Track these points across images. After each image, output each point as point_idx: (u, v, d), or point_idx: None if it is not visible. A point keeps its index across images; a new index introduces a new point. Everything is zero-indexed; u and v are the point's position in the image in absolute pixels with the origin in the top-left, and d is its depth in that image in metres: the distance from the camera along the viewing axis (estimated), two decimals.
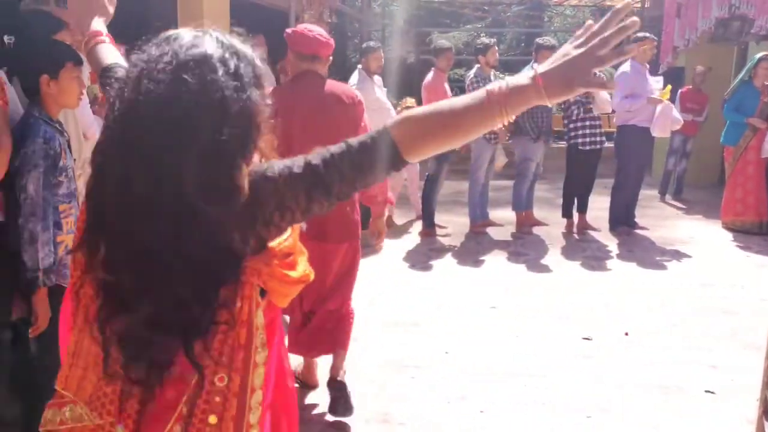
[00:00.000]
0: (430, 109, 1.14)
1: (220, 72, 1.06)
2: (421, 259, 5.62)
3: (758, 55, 6.37)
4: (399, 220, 6.97)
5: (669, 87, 6.29)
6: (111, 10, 1.67)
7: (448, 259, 5.62)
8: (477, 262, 5.51)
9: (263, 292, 1.17)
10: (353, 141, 1.13)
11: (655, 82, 6.23)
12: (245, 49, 1.14)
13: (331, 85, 3.19)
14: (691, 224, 6.95)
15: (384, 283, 4.91)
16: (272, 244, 1.16)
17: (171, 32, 1.13)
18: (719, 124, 9.08)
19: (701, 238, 6.32)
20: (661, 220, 7.10)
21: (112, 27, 1.65)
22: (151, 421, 1.13)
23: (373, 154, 1.12)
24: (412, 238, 6.33)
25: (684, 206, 7.90)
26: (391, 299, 4.58)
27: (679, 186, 8.33)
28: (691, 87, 8.08)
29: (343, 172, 1.12)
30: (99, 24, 1.61)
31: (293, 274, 1.19)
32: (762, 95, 6.29)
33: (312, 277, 1.23)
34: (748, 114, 6.32)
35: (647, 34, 6.37)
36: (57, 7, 2.85)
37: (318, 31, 3.09)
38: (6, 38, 2.80)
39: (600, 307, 4.44)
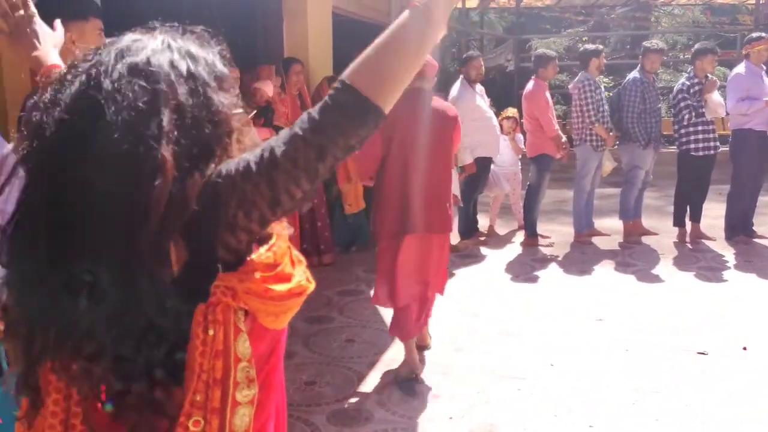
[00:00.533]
0: (374, 42, 1.00)
1: (171, 77, 0.94)
2: (524, 269, 5.58)
3: None
4: (501, 230, 6.95)
5: None
6: (59, 34, 1.52)
7: (552, 270, 5.55)
8: (582, 273, 5.41)
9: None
10: (311, 111, 0.97)
11: None
12: (202, 52, 1.02)
13: (435, 100, 3.61)
14: None
15: (487, 293, 4.93)
16: (253, 255, 0.97)
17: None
18: None
19: None
20: None
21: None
22: None
23: (337, 109, 0.95)
24: (515, 248, 6.29)
25: None
26: (495, 309, 4.59)
27: None
28: None
29: (308, 140, 0.94)
30: (55, 56, 1.42)
31: (279, 287, 0.97)
32: None
33: (312, 287, 1.03)
34: None
35: (762, 34, 6.05)
36: None
37: None
38: None
39: (716, 320, 4.26)
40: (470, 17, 21.81)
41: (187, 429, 0.93)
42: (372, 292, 4.82)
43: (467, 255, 6.06)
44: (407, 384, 3.45)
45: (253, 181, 0.93)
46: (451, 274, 5.40)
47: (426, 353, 3.83)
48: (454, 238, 6.35)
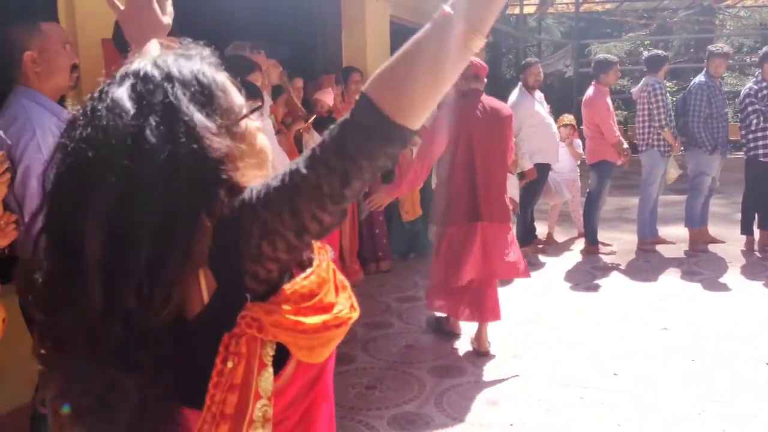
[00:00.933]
0: (396, 54, 0.90)
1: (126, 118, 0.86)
2: (584, 277, 5.51)
3: None
4: (560, 237, 6.88)
5: None
6: (167, 21, 1.39)
7: (614, 278, 5.46)
8: (646, 281, 5.30)
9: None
10: (333, 126, 0.90)
11: None
12: (183, 68, 0.93)
13: (490, 100, 3.99)
14: None
15: (547, 301, 4.89)
16: (287, 285, 0.90)
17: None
18: None
19: None
20: None
21: None
22: None
23: (358, 130, 0.87)
24: (575, 256, 6.22)
25: None
26: (555, 317, 4.55)
27: None
28: None
29: (331, 164, 0.86)
30: (155, 47, 1.22)
31: (311, 320, 0.89)
32: None
33: (356, 316, 0.95)
34: None
35: None
36: (251, 53, 3.19)
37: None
38: None
39: (732, 333, 4.12)
40: (527, 23, 21.65)
41: None
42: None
43: (527, 261, 6.00)
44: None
45: (275, 209, 0.86)
46: (512, 282, 5.39)
47: (485, 359, 3.83)
48: None
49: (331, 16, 6.20)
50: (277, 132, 3.61)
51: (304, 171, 0.86)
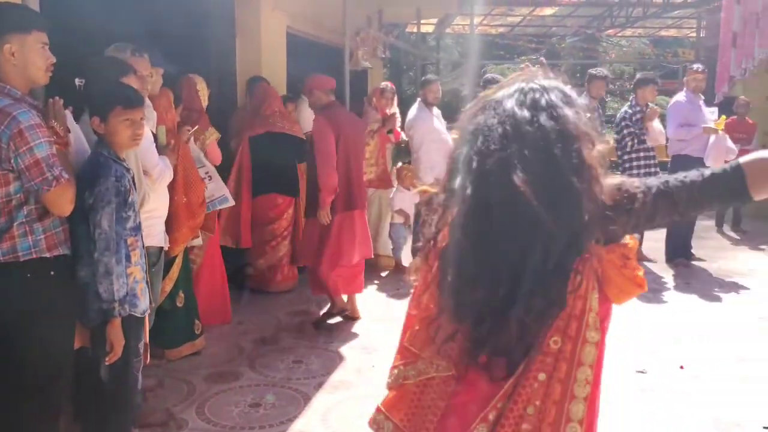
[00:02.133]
0: None
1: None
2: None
3: None
4: None
5: (723, 117, 6.23)
6: None
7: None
8: None
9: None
10: (706, 170, 1.35)
11: (710, 113, 6.19)
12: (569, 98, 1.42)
13: (344, 108, 5.09)
14: (750, 255, 6.79)
15: None
16: (626, 239, 1.38)
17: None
18: None
19: (761, 269, 6.17)
20: (719, 251, 6.95)
21: None
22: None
23: (723, 182, 1.31)
24: None
25: (742, 237, 7.71)
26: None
27: (736, 217, 8.14)
28: (736, 117, 7.92)
29: (693, 195, 1.32)
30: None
31: (640, 273, 1.36)
32: None
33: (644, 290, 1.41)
34: None
35: (698, 65, 6.34)
36: (133, 57, 3.06)
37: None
38: (77, 81, 3.06)
39: (655, 341, 4.39)
40: (427, 41, 22.14)
41: (548, 345, 1.33)
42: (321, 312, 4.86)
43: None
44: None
45: (651, 205, 1.33)
46: (404, 295, 5.46)
47: (370, 372, 3.84)
48: (406, 259, 6.43)
49: (224, 24, 6.07)
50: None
51: (674, 190, 1.34)
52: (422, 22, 14.18)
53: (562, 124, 1.32)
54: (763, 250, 7.09)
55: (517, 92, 1.38)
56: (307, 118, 6.23)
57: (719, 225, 8.07)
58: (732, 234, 7.93)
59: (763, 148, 8.20)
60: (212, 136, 4.54)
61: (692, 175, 1.34)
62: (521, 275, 1.27)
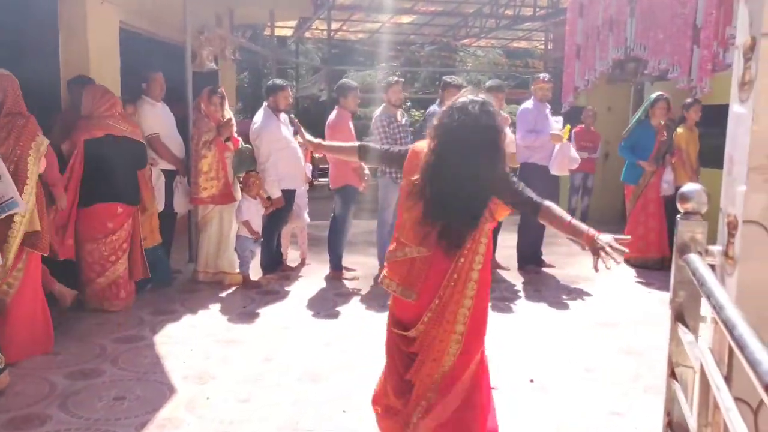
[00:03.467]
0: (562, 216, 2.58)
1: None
2: (326, 305, 5.38)
3: (654, 95, 6.58)
4: (312, 262, 6.76)
5: (568, 127, 6.40)
6: None
7: (354, 305, 5.41)
8: (383, 308, 5.31)
9: None
10: (529, 193, 2.53)
11: (555, 122, 6.33)
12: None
13: None
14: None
15: (282, 336, 4.65)
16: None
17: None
18: (620, 161, 9.42)
19: (606, 274, 6.36)
20: (567, 257, 7.16)
21: None
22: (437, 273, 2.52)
23: (531, 205, 2.52)
24: (320, 282, 6.09)
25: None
26: (291, 353, 4.32)
27: (583, 222, 8.48)
28: (583, 126, 8.27)
29: (522, 201, 2.52)
30: None
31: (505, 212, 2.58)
32: (658, 134, 6.49)
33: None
34: (646, 152, 6.50)
35: (544, 75, 6.49)
36: None
37: None
38: None
39: (507, 353, 4.31)
40: (287, 45, 21.75)
41: (463, 256, 2.49)
42: (155, 337, 4.40)
43: (269, 291, 5.75)
44: None
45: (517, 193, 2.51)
46: (254, 314, 5.08)
47: (204, 407, 3.45)
48: (256, 273, 6.04)
49: (46, 17, 5.40)
50: None
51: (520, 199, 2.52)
52: (280, 25, 13.82)
53: (491, 122, 2.43)
54: None
55: (467, 100, 2.46)
56: (149, 121, 5.72)
57: None
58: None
59: (606, 156, 8.64)
60: (43, 144, 4.08)
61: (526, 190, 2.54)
62: (461, 203, 2.44)
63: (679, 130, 6.53)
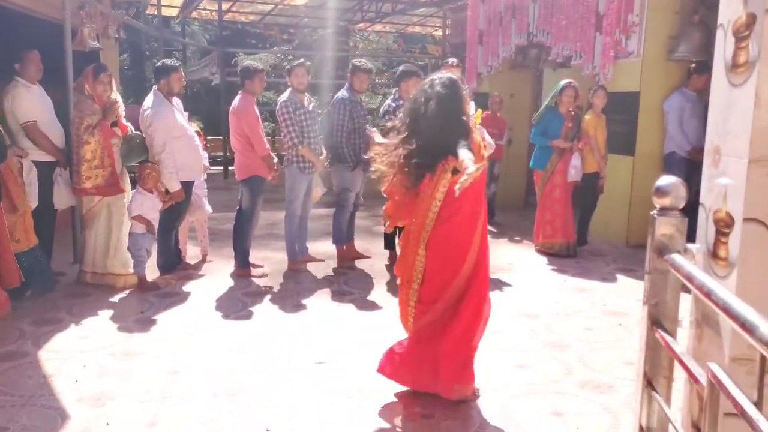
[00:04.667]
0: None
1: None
2: (234, 305, 4.96)
3: (562, 82, 6.56)
4: (215, 258, 6.27)
5: (480, 111, 6.24)
6: None
7: (266, 304, 5.02)
8: (298, 307, 4.97)
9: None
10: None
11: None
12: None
13: None
14: (508, 249, 7.00)
15: (188, 344, 4.20)
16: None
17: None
18: (523, 148, 9.48)
19: (520, 263, 6.34)
20: None
21: None
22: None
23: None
24: (224, 280, 5.64)
25: (497, 230, 8.00)
26: (200, 363, 3.89)
27: (491, 210, 8.46)
28: (489, 113, 8.22)
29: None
30: None
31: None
32: (566, 120, 6.49)
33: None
34: (554, 138, 6.48)
35: (453, 59, 6.31)
36: None
37: None
38: None
39: None
40: (172, 26, 20.60)
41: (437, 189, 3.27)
42: (40, 353, 3.86)
43: (169, 293, 5.24)
44: None
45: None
46: (153, 320, 4.59)
47: (105, 427, 3.00)
48: (153, 273, 5.52)
49: None
50: None
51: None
52: (164, 4, 12.93)
53: (456, 92, 3.33)
54: (516, 241, 7.38)
55: (436, 78, 3.35)
56: (24, 106, 5.05)
57: None
58: (489, 227, 8.19)
59: (510, 143, 8.64)
60: None
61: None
62: (437, 150, 3.19)
63: (587, 116, 6.56)
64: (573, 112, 6.54)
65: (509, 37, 8.68)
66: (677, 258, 1.81)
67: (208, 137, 15.41)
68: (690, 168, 6.77)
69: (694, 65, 6.71)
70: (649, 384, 1.99)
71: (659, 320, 1.98)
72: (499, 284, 5.59)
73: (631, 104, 6.84)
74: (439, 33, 15.69)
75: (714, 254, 1.75)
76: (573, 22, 7.50)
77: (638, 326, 4.50)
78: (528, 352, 4.10)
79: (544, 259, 6.49)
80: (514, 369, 3.82)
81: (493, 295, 5.22)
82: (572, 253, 6.57)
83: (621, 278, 5.83)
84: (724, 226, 1.70)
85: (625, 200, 7.02)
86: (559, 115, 6.50)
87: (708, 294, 1.51)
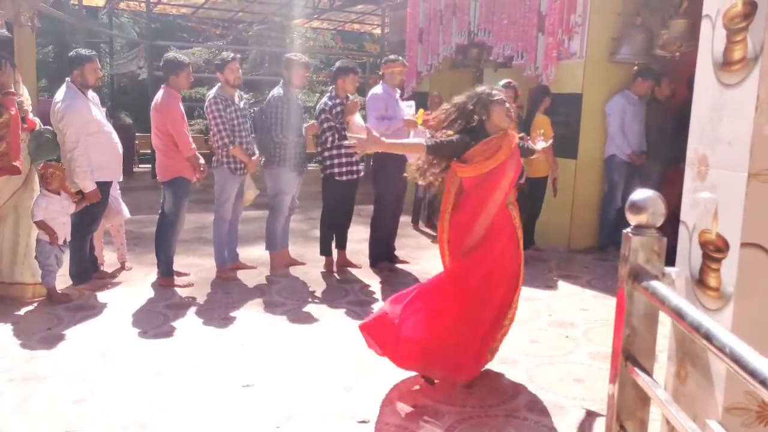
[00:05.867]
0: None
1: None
2: (155, 319, 4.53)
3: (501, 82, 6.34)
4: (135, 265, 5.79)
5: (422, 111, 6.01)
6: None
7: (191, 318, 4.61)
8: (226, 320, 4.58)
9: None
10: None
11: (407, 107, 5.90)
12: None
13: None
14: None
15: (99, 365, 3.76)
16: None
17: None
18: None
19: None
20: (418, 250, 6.82)
21: None
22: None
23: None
24: (145, 291, 5.19)
25: (436, 233, 7.75)
26: (112, 389, 3.46)
27: (431, 213, 8.25)
28: (429, 113, 7.99)
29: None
30: None
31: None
32: None
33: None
34: None
35: (399, 57, 6.01)
36: None
37: None
38: None
39: (370, 362, 3.79)
40: (99, 17, 19.66)
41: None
42: None
43: (81, 306, 4.76)
44: None
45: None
46: (61, 337, 4.12)
47: None
48: (64, 283, 5.02)
49: None
50: None
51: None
52: None
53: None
54: None
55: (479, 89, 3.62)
56: None
57: (414, 222, 8.06)
58: (427, 230, 7.97)
59: None
60: None
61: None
62: None
63: (539, 116, 6.40)
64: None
65: (450, 36, 8.47)
66: (659, 287, 1.56)
67: (137, 134, 14.73)
68: (630, 172, 6.70)
69: (637, 68, 6.64)
70: (622, 428, 1.73)
71: (634, 356, 1.72)
72: None
73: (574, 106, 6.71)
74: (378, 31, 15.43)
75: (701, 282, 1.50)
76: (515, 21, 7.33)
77: (585, 338, 4.33)
78: None
79: None
80: (460, 389, 3.54)
81: None
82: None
83: (564, 285, 5.67)
84: (714, 251, 1.46)
85: (568, 204, 6.89)
86: None
87: (708, 337, 1.25)
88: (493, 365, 3.82)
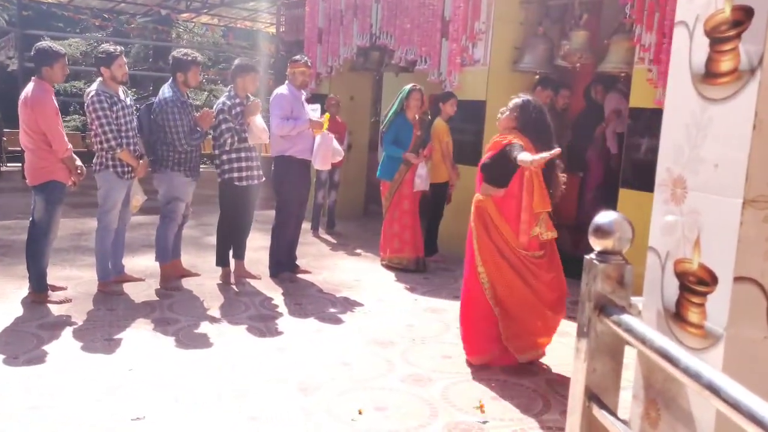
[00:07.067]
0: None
1: None
2: (26, 344, 3.98)
3: (408, 87, 6.20)
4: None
5: (327, 115, 5.75)
6: None
7: (67, 340, 4.09)
8: (110, 342, 4.10)
9: None
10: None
11: (312, 111, 5.61)
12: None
13: None
14: (352, 264, 6.50)
15: None
16: None
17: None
18: (363, 154, 9.11)
19: (367, 280, 5.86)
20: (321, 259, 6.54)
21: None
22: None
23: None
24: (12, 308, 4.59)
25: (338, 241, 7.53)
26: None
27: (331, 219, 8.00)
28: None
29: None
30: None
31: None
32: (414, 128, 6.15)
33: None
34: (406, 146, 6.11)
35: (304, 57, 5.72)
36: None
37: None
38: None
39: (279, 388, 3.48)
40: None
41: None
42: None
43: None
44: None
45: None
46: None
47: None
48: None
49: None
50: None
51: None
52: None
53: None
54: (359, 255, 6.92)
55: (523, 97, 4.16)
56: None
57: (315, 228, 7.77)
58: (327, 237, 7.70)
59: (350, 148, 8.22)
60: None
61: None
62: None
63: (439, 122, 6.29)
64: (419, 118, 6.22)
65: (351, 38, 8.25)
66: (633, 322, 1.39)
67: (5, 129, 13.45)
68: None
69: (537, 77, 6.70)
70: None
71: (597, 395, 1.55)
72: (347, 305, 5.08)
73: (478, 113, 6.67)
74: (272, 30, 14.99)
75: (679, 317, 1.36)
76: (418, 25, 7.22)
77: None
78: (385, 389, 3.61)
79: (391, 275, 6.08)
80: (373, 412, 3.31)
81: (343, 318, 4.74)
82: (421, 268, 6.24)
83: None
84: (695, 283, 1.32)
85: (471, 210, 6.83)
86: (408, 121, 6.15)
87: (714, 390, 1.08)
88: (405, 385, 3.62)
